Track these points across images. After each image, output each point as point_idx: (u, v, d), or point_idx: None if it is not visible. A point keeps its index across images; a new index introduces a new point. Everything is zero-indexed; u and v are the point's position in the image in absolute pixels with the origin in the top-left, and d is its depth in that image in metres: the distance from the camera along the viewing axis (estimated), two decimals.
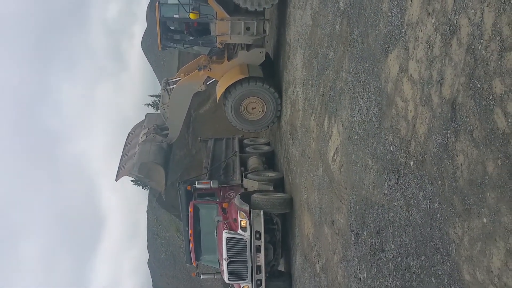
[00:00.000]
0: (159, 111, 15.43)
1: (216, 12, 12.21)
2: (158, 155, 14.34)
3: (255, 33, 12.56)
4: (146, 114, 17.82)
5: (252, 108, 13.43)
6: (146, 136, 15.14)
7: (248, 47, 13.23)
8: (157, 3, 12.49)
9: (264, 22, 12.57)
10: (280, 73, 13.26)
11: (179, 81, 14.05)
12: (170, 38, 13.10)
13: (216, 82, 14.06)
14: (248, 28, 12.51)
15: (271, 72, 14.17)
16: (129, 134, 17.35)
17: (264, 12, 12.65)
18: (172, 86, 14.31)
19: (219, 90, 13.36)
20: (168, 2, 12.40)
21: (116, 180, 14.85)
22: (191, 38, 12.91)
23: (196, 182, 12.83)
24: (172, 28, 13.28)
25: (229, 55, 13.47)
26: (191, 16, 11.96)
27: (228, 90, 13.06)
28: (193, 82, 13.75)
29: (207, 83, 14.12)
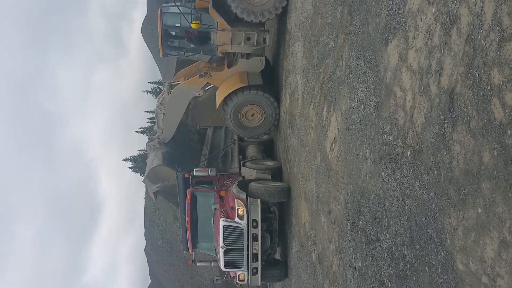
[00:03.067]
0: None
1: (217, 22, 12.38)
2: (155, 159, 14.73)
3: (255, 44, 12.75)
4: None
5: (251, 115, 13.61)
6: (147, 151, 15.83)
7: (248, 55, 13.40)
8: (159, 12, 12.68)
9: (265, 33, 12.76)
10: (280, 62, 13.23)
11: (178, 85, 14.35)
12: (172, 46, 13.40)
13: (215, 86, 14.23)
14: (248, 39, 12.70)
15: (270, 78, 14.29)
16: None
17: (265, 23, 12.81)
18: None
19: (219, 98, 13.54)
20: (170, 11, 12.57)
21: (155, 201, 15.49)
22: (192, 46, 13.16)
23: (194, 169, 12.85)
24: (173, 33, 13.44)
25: (229, 62, 13.63)
26: (193, 25, 12.21)
27: (227, 98, 13.22)
28: (192, 86, 14.03)
29: (206, 89, 14.43)
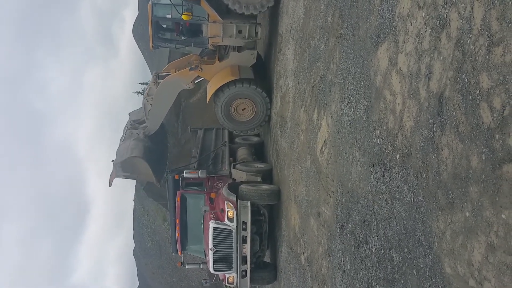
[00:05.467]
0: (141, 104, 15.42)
1: (208, 14, 12.26)
2: (136, 148, 14.39)
3: (247, 37, 12.65)
4: (129, 113, 17.57)
5: (242, 109, 13.51)
6: (125, 134, 15.26)
7: (239, 48, 13.29)
8: (149, 3, 12.50)
9: (256, 25, 12.66)
10: (271, 64, 13.23)
11: (168, 76, 14.10)
12: (162, 38, 13.18)
13: (205, 79, 14.10)
14: (240, 31, 12.58)
15: (262, 73, 14.20)
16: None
17: (257, 15, 12.74)
18: (161, 80, 14.32)
19: (210, 91, 13.42)
20: (161, 2, 12.40)
21: (109, 186, 14.93)
22: (183, 38, 12.98)
23: (184, 171, 12.78)
24: (164, 26, 13.26)
25: (220, 55, 13.50)
26: (184, 17, 12.01)
27: (218, 91, 13.13)
28: (181, 79, 13.83)
29: (195, 81, 14.21)
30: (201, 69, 13.42)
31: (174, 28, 13.06)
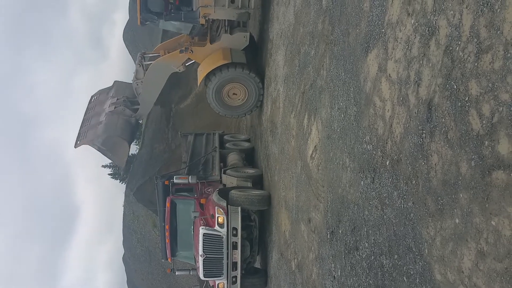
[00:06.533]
0: (131, 81, 14.90)
1: None
2: (125, 130, 14.00)
3: (240, 6, 12.12)
4: (115, 81, 16.68)
5: (233, 94, 13.14)
6: (115, 107, 14.62)
7: (231, 30, 12.91)
8: None
9: None
10: (262, 70, 13.21)
11: (158, 59, 13.61)
12: (151, 12, 12.53)
13: (195, 64, 13.75)
14: (232, 1, 12.09)
15: (255, 56, 13.85)
16: (91, 98, 16.35)
17: None
18: (148, 62, 13.85)
19: (201, 74, 13.03)
20: None
21: (75, 147, 14.07)
22: (172, 14, 12.43)
23: (174, 177, 12.69)
24: (154, 11, 12.90)
25: (211, 37, 13.06)
26: None
27: (209, 75, 12.77)
28: (172, 61, 13.34)
29: (186, 64, 13.75)
30: (192, 51, 12.95)
31: (163, 8, 12.43)
